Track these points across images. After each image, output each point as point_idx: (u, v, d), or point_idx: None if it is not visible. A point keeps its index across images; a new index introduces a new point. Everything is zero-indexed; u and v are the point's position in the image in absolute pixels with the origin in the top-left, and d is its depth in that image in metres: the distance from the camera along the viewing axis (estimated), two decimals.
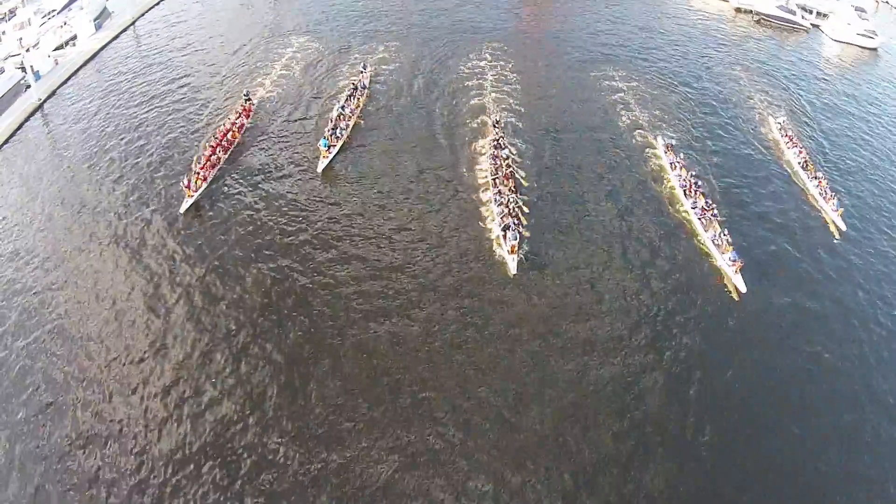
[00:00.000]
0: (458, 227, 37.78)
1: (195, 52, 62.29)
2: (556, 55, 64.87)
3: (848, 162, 48.25)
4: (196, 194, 38.23)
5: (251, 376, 28.69)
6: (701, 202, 38.92)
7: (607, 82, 57.35)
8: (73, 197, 40.68)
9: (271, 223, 38.24)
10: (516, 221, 36.44)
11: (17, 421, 26.83)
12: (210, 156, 41.21)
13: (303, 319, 31.85)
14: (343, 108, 46.69)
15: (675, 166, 43.00)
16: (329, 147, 43.05)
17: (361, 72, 52.84)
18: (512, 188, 39.08)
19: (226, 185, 41.21)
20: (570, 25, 73.62)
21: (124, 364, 29.30)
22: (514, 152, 44.27)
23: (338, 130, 44.41)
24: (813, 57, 70.05)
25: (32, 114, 49.62)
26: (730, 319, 32.82)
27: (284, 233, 37.52)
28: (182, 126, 48.03)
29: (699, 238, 37.51)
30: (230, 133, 43.29)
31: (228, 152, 42.38)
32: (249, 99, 47.53)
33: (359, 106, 48.30)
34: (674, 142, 45.21)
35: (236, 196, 40.06)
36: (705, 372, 29.50)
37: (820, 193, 41.61)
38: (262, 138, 46.36)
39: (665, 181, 42.90)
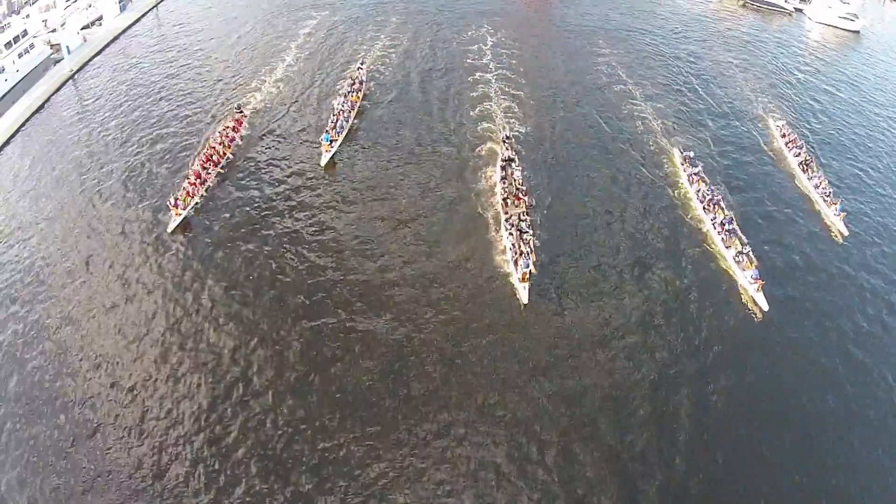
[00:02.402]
0: (466, 251, 32.65)
1: (213, 38, 58.04)
2: (554, 43, 59.93)
3: (842, 159, 43.80)
4: (184, 212, 34.12)
5: (253, 397, 25.35)
6: (720, 217, 34.81)
7: (604, 75, 52.28)
8: (73, 193, 37.02)
9: (271, 231, 33.88)
10: (528, 247, 31.63)
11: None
12: (199, 171, 36.76)
13: (302, 337, 27.95)
14: (343, 102, 43.57)
15: (693, 179, 38.14)
16: (331, 141, 39.80)
17: (360, 67, 49.61)
18: (523, 211, 34.33)
19: (218, 199, 36.19)
20: (563, 15, 67.67)
21: (119, 391, 25.78)
22: (524, 168, 38.49)
23: (339, 124, 41.28)
24: (797, 40, 65.68)
25: (65, 83, 49.48)
26: (753, 341, 28.88)
27: (283, 244, 32.97)
28: (189, 123, 43.68)
29: (719, 254, 33.35)
30: (221, 146, 38.83)
31: (219, 166, 38.12)
32: (241, 111, 42.94)
33: (358, 101, 45.10)
34: (691, 154, 40.50)
35: (230, 209, 35.35)
36: (730, 398, 25.98)
37: (821, 197, 37.97)
38: (259, 144, 41.39)
39: (683, 195, 38.04)
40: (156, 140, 41.71)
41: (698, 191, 37.31)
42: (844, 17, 68.76)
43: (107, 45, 56.04)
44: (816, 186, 38.89)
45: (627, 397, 26.10)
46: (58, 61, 52.75)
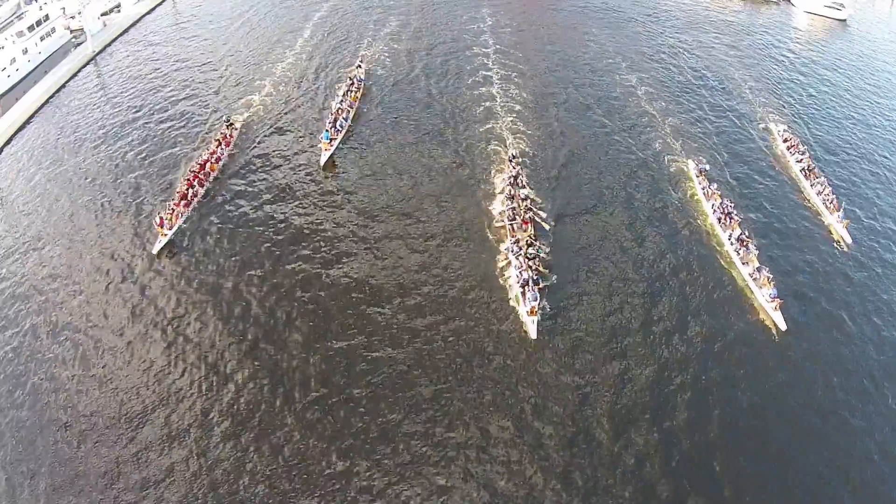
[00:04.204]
0: (470, 275, 29.06)
1: (225, 27, 55.86)
2: (553, 34, 56.17)
3: (837, 155, 40.82)
4: (170, 233, 30.48)
5: (246, 424, 22.91)
6: (737, 233, 31.14)
7: (604, 69, 48.77)
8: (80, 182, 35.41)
9: (265, 244, 30.38)
10: (536, 277, 27.36)
11: None
12: (186, 190, 32.48)
13: (296, 360, 25.10)
14: (341, 101, 40.52)
15: (709, 194, 34.00)
16: (331, 140, 36.68)
17: (359, 66, 46.16)
18: (532, 237, 29.95)
19: (209, 215, 32.32)
20: (560, 5, 63.68)
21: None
22: (531, 186, 34.20)
23: (338, 123, 38.21)
24: (787, 30, 61.60)
25: (86, 65, 49.39)
26: (770, 362, 25.71)
27: (278, 257, 29.63)
28: (191, 120, 41.12)
29: (736, 272, 29.81)
30: (209, 164, 34.84)
31: (205, 185, 34.16)
32: (231, 124, 38.47)
33: (356, 99, 41.90)
34: (707, 167, 36.48)
35: (221, 223, 31.93)
36: (749, 431, 23.32)
37: (824, 203, 34.57)
38: (256, 147, 37.98)
39: (698, 209, 33.92)
40: (157, 140, 38.84)
41: (714, 205, 33.03)
42: (831, 7, 64.57)
43: (125, 31, 54.54)
44: (819, 193, 35.14)
45: (641, 431, 22.82)
46: (78, 45, 51.63)
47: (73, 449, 22.30)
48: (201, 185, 33.99)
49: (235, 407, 23.31)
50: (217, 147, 36.55)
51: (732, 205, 33.23)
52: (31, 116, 42.55)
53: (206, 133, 38.68)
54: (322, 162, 36.45)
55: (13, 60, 47.57)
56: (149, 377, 24.40)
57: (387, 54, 50.74)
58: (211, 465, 21.59)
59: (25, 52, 48.85)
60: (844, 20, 65.97)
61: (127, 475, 21.41)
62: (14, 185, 35.99)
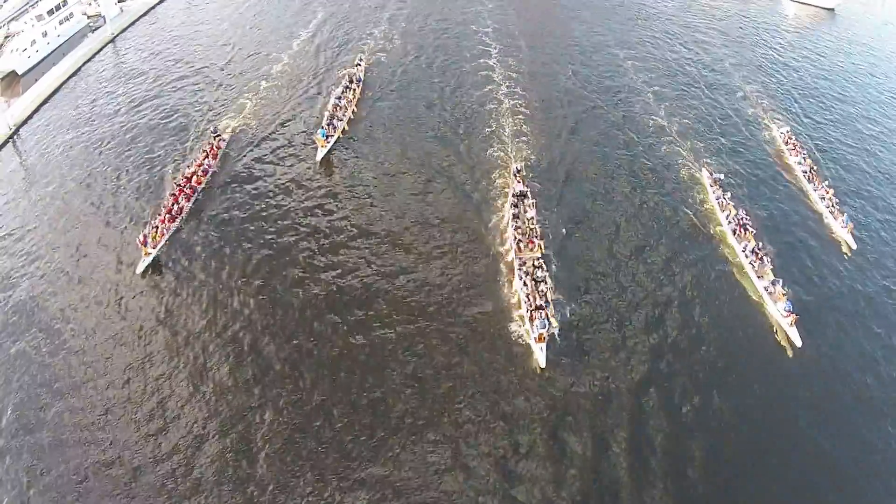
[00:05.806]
0: (472, 292, 26.65)
1: (235, 14, 54.34)
2: (552, 26, 54.35)
3: (834, 152, 39.07)
4: (154, 251, 27.72)
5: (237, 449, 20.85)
6: (752, 245, 28.81)
7: (604, 67, 46.17)
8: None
9: (257, 257, 28.01)
10: (544, 300, 24.59)
11: None
12: (171, 206, 29.70)
13: (287, 388, 22.78)
14: (339, 99, 38.14)
15: (723, 204, 31.49)
16: (327, 137, 34.48)
17: (358, 64, 43.55)
18: (538, 257, 27.22)
19: (197, 228, 29.99)
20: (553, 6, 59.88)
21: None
22: (536, 199, 30.77)
23: (335, 120, 36.04)
24: (778, 21, 59.05)
25: (104, 47, 49.63)
26: (784, 380, 23.90)
27: (270, 271, 27.03)
28: (195, 120, 39.24)
29: (750, 285, 27.58)
30: (194, 178, 32.07)
31: (192, 198, 31.34)
32: (219, 135, 35.55)
33: (355, 97, 39.45)
34: (721, 176, 33.88)
35: (212, 230, 29.74)
36: (764, 459, 21.51)
37: (827, 207, 32.25)
38: (255, 148, 35.91)
39: (712, 220, 31.43)
40: (157, 139, 37.14)
41: (728, 216, 30.25)
42: None
43: (141, 16, 54.01)
44: (822, 198, 32.61)
45: (655, 457, 21.24)
46: (95, 30, 50.54)
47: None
48: (187, 199, 30.77)
49: (229, 423, 21.61)
50: (204, 158, 33.67)
51: (747, 215, 30.17)
52: (51, 95, 41.69)
53: (196, 140, 36.26)
54: (318, 159, 33.87)
55: (33, 42, 46.99)
56: (126, 410, 22.35)
57: (388, 51, 47.25)
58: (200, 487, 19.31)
59: (45, 34, 47.51)
60: (832, 9, 62.42)
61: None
62: (12, 186, 34.45)
